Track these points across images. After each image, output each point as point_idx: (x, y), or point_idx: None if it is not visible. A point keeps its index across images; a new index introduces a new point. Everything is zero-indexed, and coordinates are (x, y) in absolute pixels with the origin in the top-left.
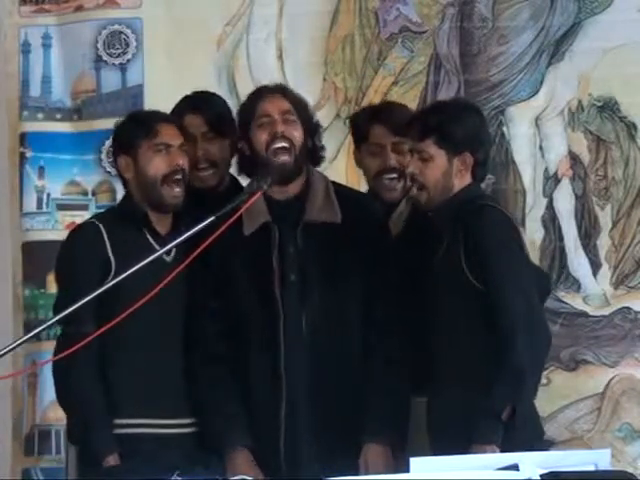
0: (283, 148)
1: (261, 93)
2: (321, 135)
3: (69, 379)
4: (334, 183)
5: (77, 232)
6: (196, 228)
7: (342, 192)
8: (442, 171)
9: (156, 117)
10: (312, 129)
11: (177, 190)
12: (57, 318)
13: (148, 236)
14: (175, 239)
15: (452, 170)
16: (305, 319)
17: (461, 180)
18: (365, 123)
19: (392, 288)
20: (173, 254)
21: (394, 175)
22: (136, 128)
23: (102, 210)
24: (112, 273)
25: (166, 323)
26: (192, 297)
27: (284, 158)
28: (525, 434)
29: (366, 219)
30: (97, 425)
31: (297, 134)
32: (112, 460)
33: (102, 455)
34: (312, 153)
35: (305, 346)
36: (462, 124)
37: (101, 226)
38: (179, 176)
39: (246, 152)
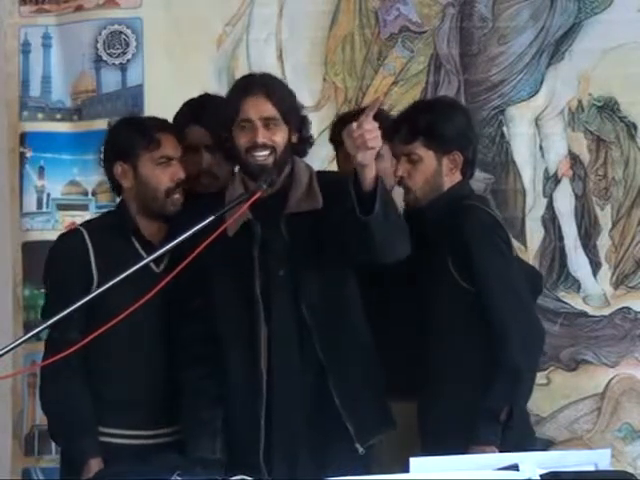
0: (263, 156)
1: (244, 91)
2: (309, 126)
3: (54, 385)
4: (319, 172)
5: (62, 240)
6: (192, 230)
7: (325, 178)
8: (431, 172)
9: (156, 126)
10: (299, 122)
11: (178, 198)
12: (53, 320)
13: (137, 245)
14: (164, 247)
15: (442, 170)
16: (305, 309)
17: (451, 179)
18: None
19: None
20: (164, 265)
21: None
22: (136, 137)
23: (102, 210)
24: (95, 282)
25: (155, 332)
26: (174, 299)
27: (264, 162)
28: (517, 432)
29: (346, 198)
30: (82, 431)
31: (279, 138)
32: (95, 466)
33: (85, 460)
34: (297, 146)
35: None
36: (450, 123)
37: (86, 235)
38: (180, 189)
39: (228, 144)
